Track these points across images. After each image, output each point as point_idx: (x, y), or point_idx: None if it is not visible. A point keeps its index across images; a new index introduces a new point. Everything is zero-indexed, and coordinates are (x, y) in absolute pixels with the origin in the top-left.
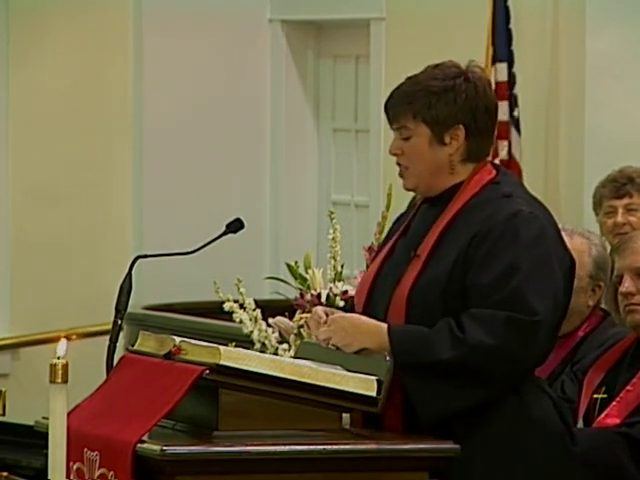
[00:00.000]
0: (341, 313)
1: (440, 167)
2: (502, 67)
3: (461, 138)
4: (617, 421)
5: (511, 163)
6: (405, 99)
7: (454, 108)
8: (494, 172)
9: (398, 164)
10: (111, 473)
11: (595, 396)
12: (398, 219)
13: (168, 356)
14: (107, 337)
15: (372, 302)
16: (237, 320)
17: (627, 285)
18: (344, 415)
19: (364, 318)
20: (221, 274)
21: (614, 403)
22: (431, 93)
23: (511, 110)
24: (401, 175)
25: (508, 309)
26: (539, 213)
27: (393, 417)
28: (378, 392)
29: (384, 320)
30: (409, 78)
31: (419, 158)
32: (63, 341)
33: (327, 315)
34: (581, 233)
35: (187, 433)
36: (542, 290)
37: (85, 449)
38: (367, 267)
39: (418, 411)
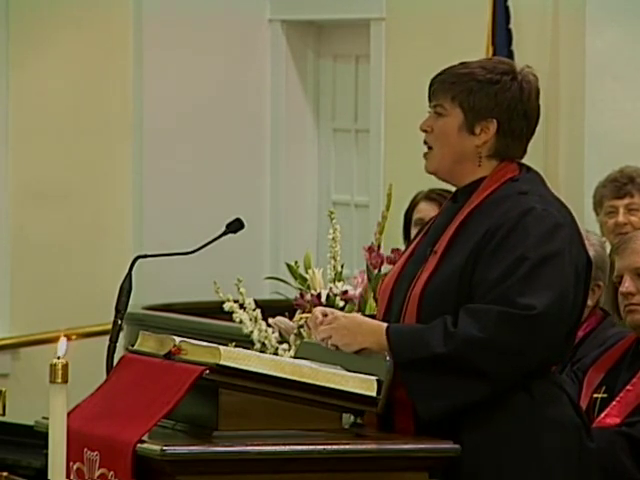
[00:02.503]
0: (342, 312)
1: (464, 156)
2: None
3: (491, 132)
4: (617, 420)
5: None
6: (449, 79)
7: (492, 102)
8: (517, 170)
9: (425, 142)
10: (111, 473)
11: (595, 396)
12: (407, 218)
13: (168, 356)
14: (107, 337)
15: (392, 302)
16: (237, 320)
17: (627, 285)
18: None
19: (366, 318)
20: (221, 274)
21: (614, 403)
22: (475, 80)
23: None
24: (425, 156)
25: (505, 304)
26: (554, 211)
27: (404, 419)
28: (378, 392)
29: (400, 318)
30: (462, 62)
31: (445, 140)
32: (63, 340)
33: (325, 316)
34: None
35: (187, 433)
36: (545, 286)
37: (85, 449)
38: (367, 267)
39: (417, 408)
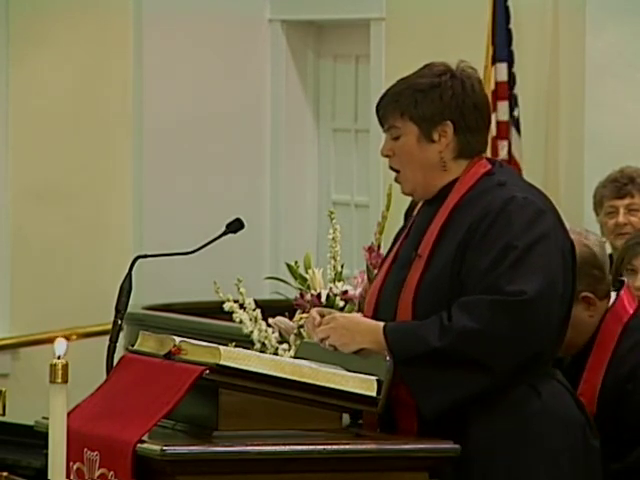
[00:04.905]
0: (340, 313)
1: (431, 165)
2: (502, 67)
3: (449, 135)
4: None
5: (511, 163)
6: (392, 98)
7: (440, 105)
8: (489, 165)
9: (391, 168)
10: (111, 473)
11: None
12: (407, 218)
13: (168, 356)
14: (107, 337)
15: (380, 307)
16: (237, 320)
17: None
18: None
19: (364, 318)
20: (221, 274)
21: None
22: (417, 91)
23: (511, 110)
24: (396, 180)
25: (495, 292)
26: (535, 199)
27: (407, 421)
28: (378, 392)
29: None
30: (400, 79)
31: (409, 157)
32: (61, 340)
33: (322, 316)
34: (579, 232)
35: (187, 433)
36: (534, 271)
37: (85, 449)
38: (367, 267)
39: (418, 404)
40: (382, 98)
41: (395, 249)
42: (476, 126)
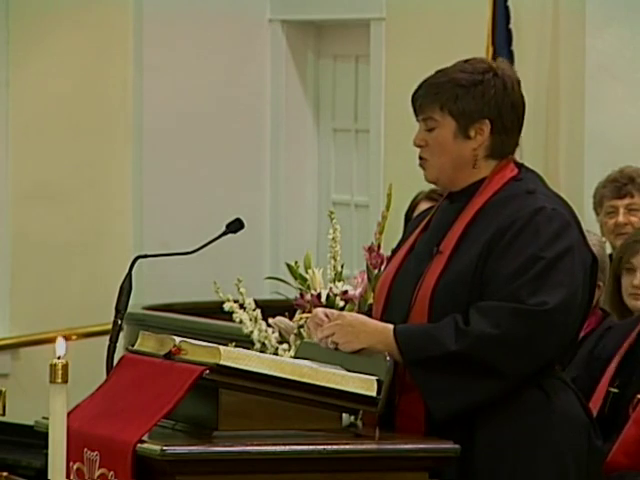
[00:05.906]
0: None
1: (463, 161)
2: None
3: (486, 133)
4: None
5: None
6: (432, 90)
7: (481, 102)
8: (516, 169)
9: (420, 157)
10: (111, 473)
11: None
12: (407, 218)
13: (168, 356)
14: (107, 337)
15: (392, 299)
16: (237, 320)
17: None
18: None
19: (371, 319)
20: (221, 274)
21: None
22: (459, 86)
23: None
24: (422, 166)
25: (517, 300)
26: (562, 210)
27: (410, 425)
28: (378, 392)
29: (406, 317)
30: (438, 71)
31: (442, 150)
32: (61, 340)
33: (327, 317)
34: None
35: (187, 433)
36: (557, 283)
37: (85, 449)
38: (367, 267)
39: (430, 408)
40: (419, 88)
41: (410, 242)
42: (511, 127)
